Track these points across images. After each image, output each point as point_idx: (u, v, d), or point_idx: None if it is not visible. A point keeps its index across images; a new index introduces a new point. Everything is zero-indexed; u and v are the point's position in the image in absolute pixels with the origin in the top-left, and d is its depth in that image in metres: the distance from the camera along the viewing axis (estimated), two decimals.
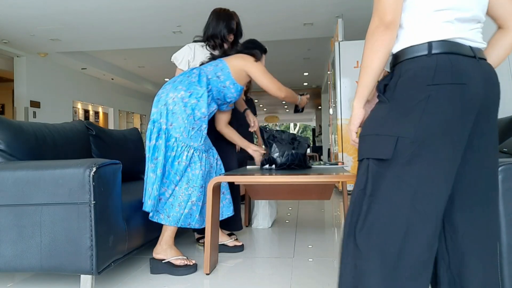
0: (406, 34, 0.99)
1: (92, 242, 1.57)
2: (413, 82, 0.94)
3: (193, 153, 1.98)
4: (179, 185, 1.96)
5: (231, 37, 2.47)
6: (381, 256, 0.91)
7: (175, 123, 1.96)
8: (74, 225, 1.58)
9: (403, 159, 0.92)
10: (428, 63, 0.94)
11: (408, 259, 0.90)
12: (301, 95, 2.49)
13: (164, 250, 1.97)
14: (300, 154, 2.21)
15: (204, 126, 2.05)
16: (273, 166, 2.26)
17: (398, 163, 0.93)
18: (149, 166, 1.96)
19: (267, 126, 2.41)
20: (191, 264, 1.96)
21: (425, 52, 0.95)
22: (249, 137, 3.94)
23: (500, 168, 1.36)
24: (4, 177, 1.64)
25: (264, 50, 2.33)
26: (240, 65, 2.14)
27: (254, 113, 4.08)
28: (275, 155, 2.23)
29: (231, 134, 2.42)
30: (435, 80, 0.92)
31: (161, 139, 1.95)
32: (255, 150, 2.43)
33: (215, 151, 2.19)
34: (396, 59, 1.01)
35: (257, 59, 2.21)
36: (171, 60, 2.47)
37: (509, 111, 2.47)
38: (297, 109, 2.52)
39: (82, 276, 1.61)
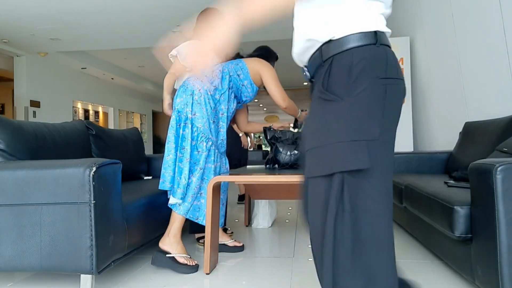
0: (351, 17, 0.86)
1: (92, 241, 1.57)
2: (369, 75, 0.83)
3: (211, 145, 2.04)
4: (195, 175, 2.01)
5: None
6: (369, 275, 0.83)
7: (198, 113, 2.03)
8: (74, 224, 1.58)
9: (375, 165, 0.82)
10: (380, 54, 0.85)
11: (392, 273, 0.87)
12: (302, 110, 2.57)
13: (171, 243, 1.99)
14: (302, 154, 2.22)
15: (222, 123, 2.13)
16: (276, 166, 2.29)
17: (373, 170, 0.81)
18: (176, 155, 2.00)
19: (270, 126, 2.42)
20: (193, 264, 1.97)
21: (374, 41, 0.85)
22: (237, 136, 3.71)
23: (500, 168, 1.36)
24: (4, 177, 1.64)
25: (276, 58, 2.50)
26: (257, 68, 2.25)
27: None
28: (278, 155, 2.24)
29: (254, 127, 2.63)
30: (388, 74, 0.84)
31: (187, 128, 2.02)
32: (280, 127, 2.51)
33: (226, 159, 2.28)
34: (340, 46, 0.85)
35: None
36: (171, 54, 2.38)
37: (509, 111, 2.47)
38: (296, 125, 2.60)
39: (82, 275, 1.61)
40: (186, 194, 2.00)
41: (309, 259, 2.14)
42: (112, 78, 10.38)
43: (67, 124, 2.43)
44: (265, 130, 2.38)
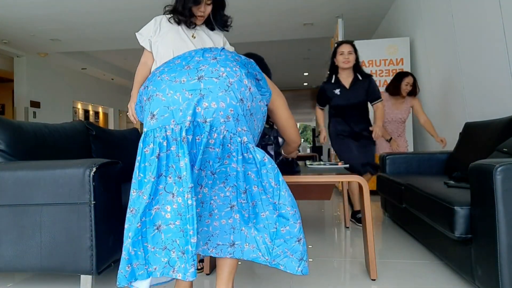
0: None
1: (92, 242, 1.57)
2: None
3: None
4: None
5: (202, 10, 1.72)
6: None
7: (245, 126, 1.26)
8: (74, 225, 1.58)
9: None
10: None
11: None
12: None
13: None
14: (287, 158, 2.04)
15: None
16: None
17: None
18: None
19: None
20: None
21: None
22: None
23: (500, 168, 1.36)
24: (4, 177, 1.64)
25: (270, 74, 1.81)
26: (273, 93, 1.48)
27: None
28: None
29: None
30: None
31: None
32: None
33: None
34: None
35: None
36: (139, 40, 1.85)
37: (509, 111, 2.47)
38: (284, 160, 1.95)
39: (82, 276, 1.61)
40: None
41: (309, 259, 2.14)
42: (112, 79, 10.38)
43: (67, 124, 2.42)
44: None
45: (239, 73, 1.24)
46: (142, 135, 1.24)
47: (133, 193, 1.21)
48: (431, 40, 4.12)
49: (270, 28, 6.27)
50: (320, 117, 3.26)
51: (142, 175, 1.21)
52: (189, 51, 1.37)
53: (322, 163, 2.72)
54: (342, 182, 3.35)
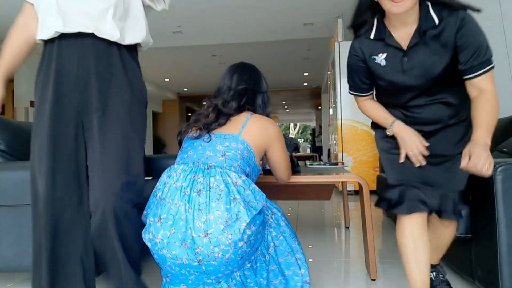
0: None
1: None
2: None
3: None
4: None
5: None
6: None
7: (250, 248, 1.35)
8: None
9: None
10: None
11: None
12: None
13: None
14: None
15: None
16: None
17: None
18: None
19: None
20: None
21: None
22: None
23: (500, 168, 1.36)
24: (4, 177, 1.64)
25: (267, 87, 1.65)
26: (264, 144, 1.49)
27: None
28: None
29: None
30: None
31: None
32: None
33: None
34: None
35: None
36: None
37: (509, 111, 2.47)
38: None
39: None
40: None
41: (309, 259, 2.14)
42: None
43: None
44: None
45: (232, 244, 1.21)
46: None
47: None
48: None
49: (270, 28, 6.27)
50: (370, 107, 1.54)
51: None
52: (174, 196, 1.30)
53: (322, 163, 2.72)
54: (342, 182, 3.35)
